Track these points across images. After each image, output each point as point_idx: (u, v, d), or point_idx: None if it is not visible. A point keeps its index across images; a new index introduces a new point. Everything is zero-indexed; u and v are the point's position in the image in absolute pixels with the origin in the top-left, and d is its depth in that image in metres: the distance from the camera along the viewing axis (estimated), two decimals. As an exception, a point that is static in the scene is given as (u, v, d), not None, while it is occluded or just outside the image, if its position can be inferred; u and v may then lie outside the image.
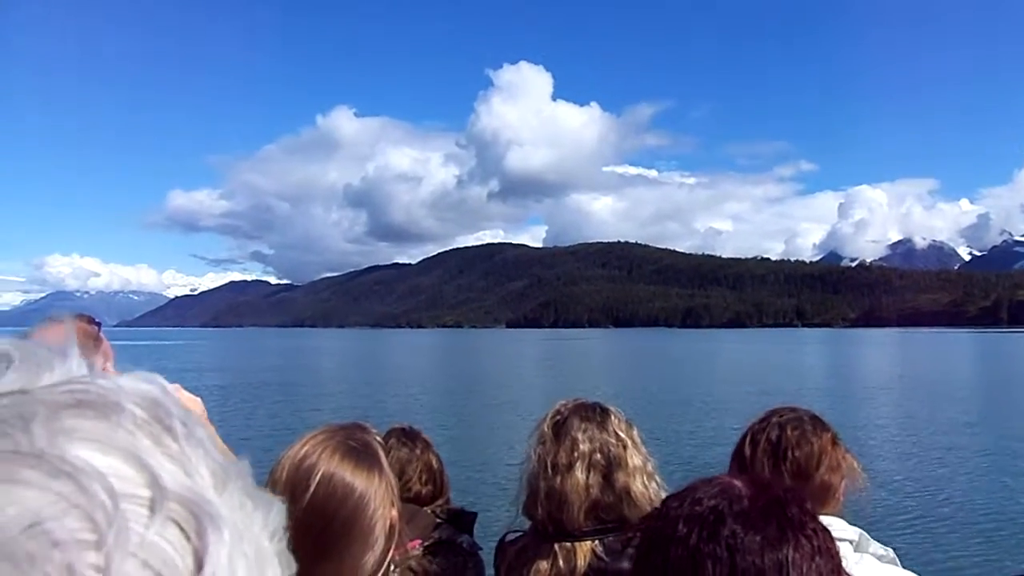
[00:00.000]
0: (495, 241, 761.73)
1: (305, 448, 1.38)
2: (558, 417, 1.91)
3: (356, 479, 1.36)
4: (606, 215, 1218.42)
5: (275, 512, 0.48)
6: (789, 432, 1.87)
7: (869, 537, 1.82)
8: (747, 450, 1.87)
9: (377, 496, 1.36)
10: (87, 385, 0.45)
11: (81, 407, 0.44)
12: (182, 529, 0.44)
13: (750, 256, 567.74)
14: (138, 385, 0.46)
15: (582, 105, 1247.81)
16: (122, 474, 0.44)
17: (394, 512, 1.41)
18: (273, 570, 0.46)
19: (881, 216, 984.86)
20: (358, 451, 1.39)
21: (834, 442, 1.89)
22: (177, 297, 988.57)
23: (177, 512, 0.44)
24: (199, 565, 0.44)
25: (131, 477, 0.44)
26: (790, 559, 1.02)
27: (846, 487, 1.88)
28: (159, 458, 0.44)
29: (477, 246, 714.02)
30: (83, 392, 0.45)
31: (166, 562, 0.44)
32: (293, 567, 0.48)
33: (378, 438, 1.47)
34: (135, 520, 0.44)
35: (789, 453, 1.84)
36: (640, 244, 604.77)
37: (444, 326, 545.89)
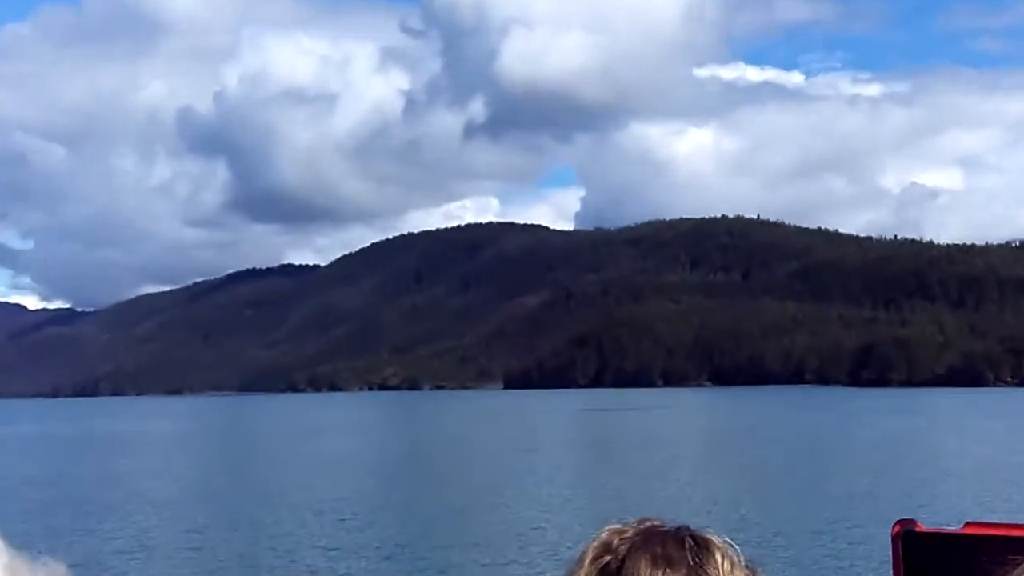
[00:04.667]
0: (481, 221, 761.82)
1: None
2: (608, 557, 2.08)
3: None
4: (697, 166, 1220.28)
5: None
6: None
7: None
8: None
9: None
10: None
11: None
12: None
13: (998, 241, 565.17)
14: None
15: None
16: None
17: None
18: None
19: None
20: None
21: None
22: None
23: None
24: None
25: None
26: None
27: None
28: None
29: (446, 231, 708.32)
30: None
31: None
32: None
33: None
34: None
35: None
36: (768, 222, 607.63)
37: (385, 387, 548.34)
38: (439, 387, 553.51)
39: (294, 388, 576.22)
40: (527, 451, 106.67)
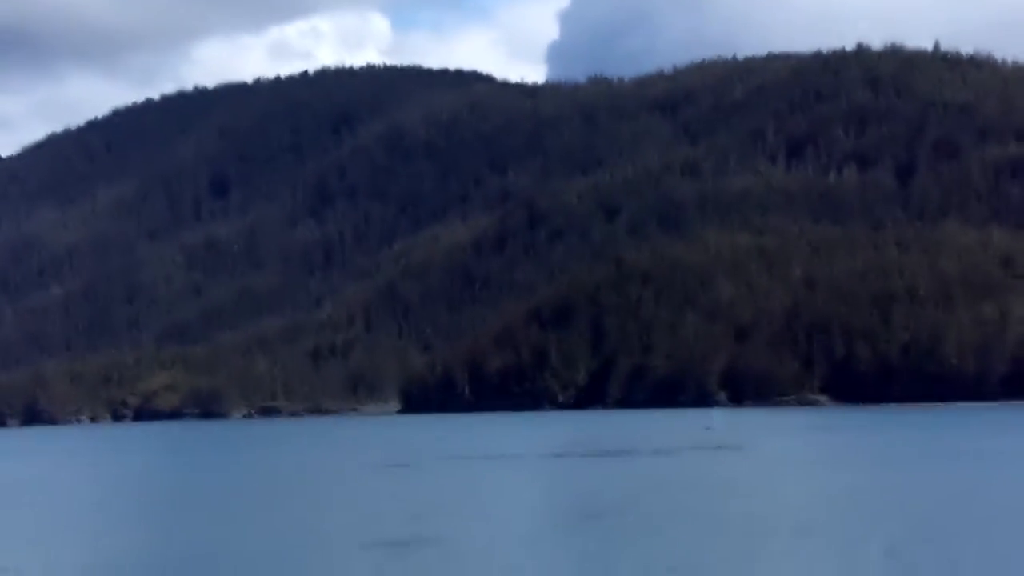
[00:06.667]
0: (351, 63, 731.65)
1: None
2: None
3: None
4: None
5: None
6: None
7: None
8: None
9: None
10: None
11: None
12: None
13: None
14: None
15: None
16: None
17: None
18: None
19: None
20: None
21: None
22: None
23: None
24: None
25: None
26: None
27: None
28: None
29: (278, 84, 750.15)
30: None
31: None
32: None
33: None
34: None
35: None
36: (956, 58, 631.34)
37: (150, 412, 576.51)
38: (267, 411, 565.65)
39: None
40: (405, 548, 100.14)
